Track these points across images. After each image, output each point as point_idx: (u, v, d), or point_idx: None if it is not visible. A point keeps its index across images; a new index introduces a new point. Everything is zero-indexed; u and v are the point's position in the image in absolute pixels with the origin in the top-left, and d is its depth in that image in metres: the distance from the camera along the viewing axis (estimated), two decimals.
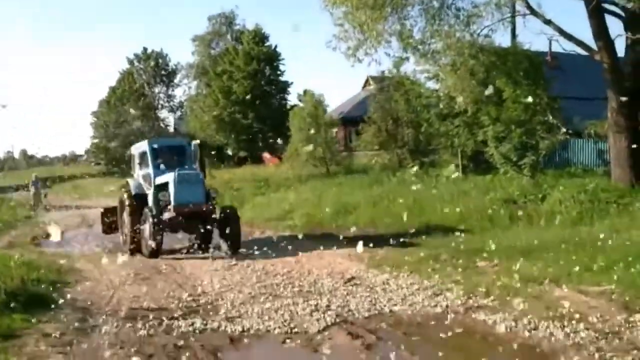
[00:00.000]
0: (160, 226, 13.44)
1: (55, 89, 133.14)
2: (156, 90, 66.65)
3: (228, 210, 14.63)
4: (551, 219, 13.93)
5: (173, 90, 67.55)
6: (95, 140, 66.77)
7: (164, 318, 8.14)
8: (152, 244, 13.28)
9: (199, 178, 14.08)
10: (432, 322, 7.78)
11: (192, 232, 14.44)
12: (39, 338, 7.23)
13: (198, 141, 15.69)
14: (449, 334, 7.22)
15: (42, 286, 9.46)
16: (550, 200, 14.86)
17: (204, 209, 13.81)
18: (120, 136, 61.28)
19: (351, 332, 7.53)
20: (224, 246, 14.19)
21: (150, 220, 13.35)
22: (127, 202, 14.80)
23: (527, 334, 7.21)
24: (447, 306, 8.50)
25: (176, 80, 67.03)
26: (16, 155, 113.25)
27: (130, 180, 15.89)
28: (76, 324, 7.83)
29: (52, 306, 8.55)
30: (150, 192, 14.74)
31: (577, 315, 7.52)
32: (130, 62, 66.11)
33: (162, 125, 65.52)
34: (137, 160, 16.17)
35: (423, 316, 8.16)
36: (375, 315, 8.32)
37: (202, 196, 13.90)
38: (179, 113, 66.67)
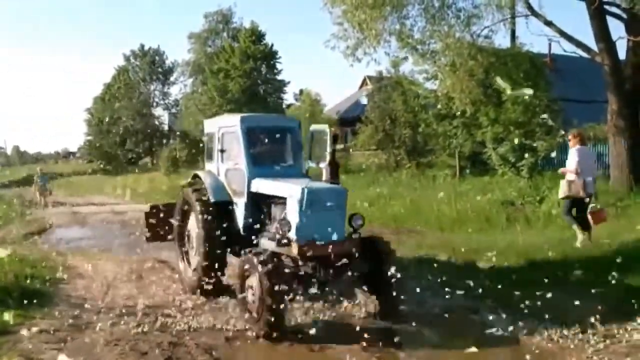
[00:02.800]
0: (280, 285, 7.22)
1: (49, 85, 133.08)
2: (152, 87, 66.54)
3: (374, 244, 8.39)
4: (549, 220, 13.86)
5: (169, 88, 67.49)
6: (89, 137, 66.67)
7: (159, 316, 8.08)
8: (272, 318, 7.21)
9: (343, 196, 8.13)
10: (430, 323, 7.73)
11: (321, 286, 7.93)
12: (33, 334, 7.16)
13: (327, 126, 9.55)
14: (447, 334, 7.17)
15: (36, 282, 9.36)
16: (549, 202, 14.78)
17: (347, 250, 7.94)
18: (114, 133, 61.23)
19: (348, 332, 7.40)
20: (370, 303, 8.47)
21: (264, 278, 7.24)
22: (200, 216, 9.16)
23: (526, 336, 7.15)
24: (445, 307, 8.37)
25: (172, 78, 67.00)
26: (9, 151, 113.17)
27: (203, 175, 9.87)
28: (70, 321, 7.76)
29: (46, 302, 8.49)
30: (240, 203, 9.06)
31: (576, 318, 7.44)
32: (127, 58, 65.98)
33: (156, 122, 65.44)
34: (217, 144, 9.77)
35: (421, 316, 8.02)
36: (372, 314, 8.27)
37: (343, 228, 8.10)
38: (174, 110, 66.54)
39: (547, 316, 7.42)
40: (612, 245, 10.51)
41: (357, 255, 8.00)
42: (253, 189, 8.85)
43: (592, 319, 7.19)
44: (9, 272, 9.02)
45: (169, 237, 10.82)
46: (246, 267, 7.73)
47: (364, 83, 47.04)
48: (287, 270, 7.62)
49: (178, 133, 55.71)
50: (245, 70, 46.76)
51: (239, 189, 9.15)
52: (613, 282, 7.88)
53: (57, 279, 10.27)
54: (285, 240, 7.82)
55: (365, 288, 8.41)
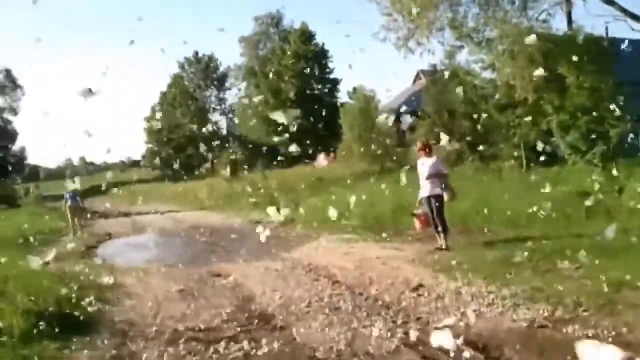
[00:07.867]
0: None
1: (104, 93, 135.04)
2: (207, 93, 67.22)
3: None
4: (633, 213, 12.50)
5: (224, 94, 68.10)
6: (150, 145, 67.87)
7: (212, 340, 7.25)
8: None
9: None
10: (518, 339, 6.50)
11: None
12: None
13: None
14: (542, 354, 6.02)
15: (79, 305, 8.61)
16: (630, 193, 13.44)
17: None
18: (173, 141, 61.95)
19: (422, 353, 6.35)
20: None
21: None
22: None
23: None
24: (532, 319, 7.13)
25: (227, 84, 67.58)
26: (75, 162, 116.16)
27: None
28: (113, 352, 7.01)
29: (90, 329, 7.80)
30: None
31: None
32: (181, 65, 66.77)
33: (215, 127, 65.91)
34: None
35: (506, 332, 6.85)
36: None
37: None
38: (231, 115, 67.14)
39: None
40: None
41: None
42: None
43: None
44: (49, 295, 8.39)
45: None
46: None
47: (417, 77, 46.08)
48: None
49: (236, 137, 55.95)
50: (297, 71, 46.54)
51: None
52: None
53: (102, 299, 9.54)
54: None
55: None
